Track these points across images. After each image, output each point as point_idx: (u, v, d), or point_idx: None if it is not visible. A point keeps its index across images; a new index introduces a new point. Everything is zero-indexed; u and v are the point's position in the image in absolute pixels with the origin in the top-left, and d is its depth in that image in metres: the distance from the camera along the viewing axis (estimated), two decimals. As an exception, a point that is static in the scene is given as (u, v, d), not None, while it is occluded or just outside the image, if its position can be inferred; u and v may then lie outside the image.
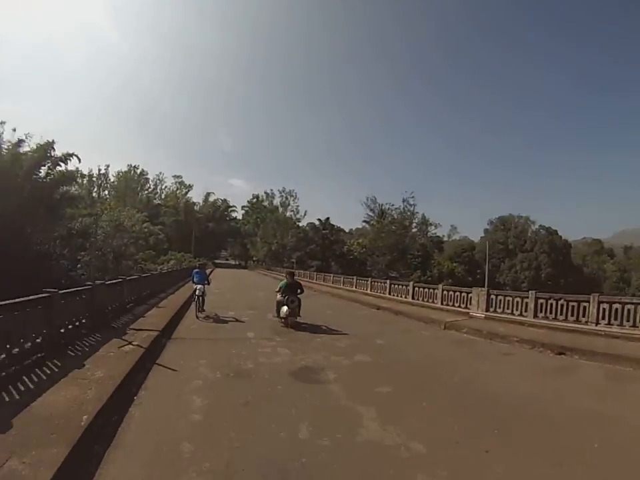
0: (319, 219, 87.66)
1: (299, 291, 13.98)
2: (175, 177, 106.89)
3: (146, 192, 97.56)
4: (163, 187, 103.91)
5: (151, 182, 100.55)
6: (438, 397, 6.81)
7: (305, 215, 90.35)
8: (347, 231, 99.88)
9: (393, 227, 78.25)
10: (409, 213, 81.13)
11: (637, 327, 11.53)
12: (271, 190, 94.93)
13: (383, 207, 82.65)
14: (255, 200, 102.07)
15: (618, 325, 11.98)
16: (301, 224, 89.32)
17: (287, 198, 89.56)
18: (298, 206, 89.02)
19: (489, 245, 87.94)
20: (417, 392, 7.05)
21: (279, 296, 13.90)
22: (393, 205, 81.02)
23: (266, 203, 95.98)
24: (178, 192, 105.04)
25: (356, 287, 29.99)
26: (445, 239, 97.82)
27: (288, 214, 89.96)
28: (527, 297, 14.69)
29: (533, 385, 7.89)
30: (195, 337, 11.19)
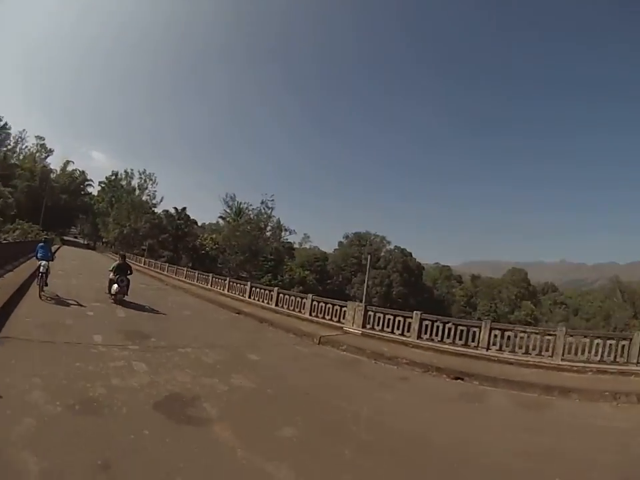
0: (175, 208, 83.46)
1: (128, 272, 16.22)
2: (37, 137, 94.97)
3: (5, 149, 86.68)
4: (24, 146, 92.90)
5: (12, 138, 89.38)
6: (359, 442, 5.72)
7: (161, 201, 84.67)
8: (199, 224, 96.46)
9: (249, 227, 77.06)
10: (265, 216, 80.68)
11: (530, 353, 12.62)
12: (131, 170, 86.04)
13: (242, 206, 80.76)
14: (113, 177, 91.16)
15: (510, 352, 12.89)
16: (156, 210, 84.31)
17: (145, 180, 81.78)
18: (155, 191, 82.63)
19: (342, 257, 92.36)
20: (329, 435, 5.82)
21: (111, 275, 15.85)
22: (251, 205, 79.88)
23: (124, 182, 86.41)
24: (37, 155, 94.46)
25: (212, 286, 28.29)
26: (296, 245, 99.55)
27: (144, 197, 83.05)
28: (410, 317, 14.86)
29: (454, 419, 7.55)
30: (29, 338, 8.72)
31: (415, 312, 15.03)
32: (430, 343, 13.89)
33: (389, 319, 15.32)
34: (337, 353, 12.71)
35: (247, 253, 75.54)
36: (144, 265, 48.18)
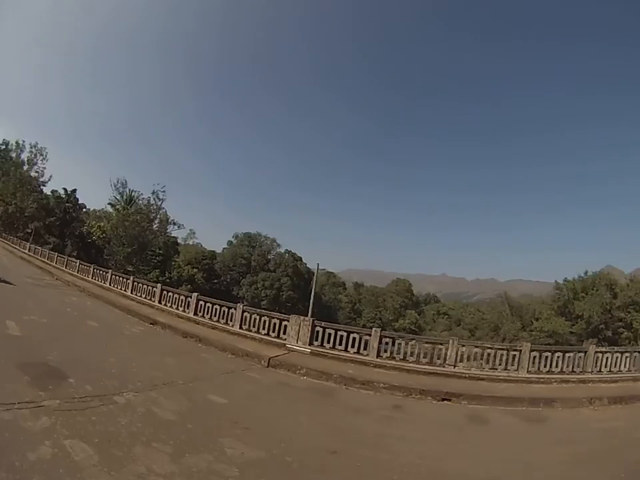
0: (65, 189, 73.10)
1: None
2: None
3: None
4: None
5: None
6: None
7: (49, 179, 73.48)
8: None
9: (138, 217, 70.03)
10: (155, 207, 73.77)
11: (496, 369, 12.76)
12: (23, 141, 72.03)
13: (133, 194, 73.24)
14: (3, 147, 74.95)
15: (477, 367, 12.80)
16: (44, 189, 73.55)
17: (36, 155, 68.88)
18: (45, 168, 70.71)
19: (230, 257, 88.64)
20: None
21: None
22: (141, 194, 72.84)
23: (14, 155, 72.06)
24: None
25: (112, 284, 24.33)
26: (180, 241, 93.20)
27: (33, 174, 70.61)
28: (368, 334, 13.63)
29: (491, 447, 7.30)
30: None
31: (373, 329, 13.88)
32: (393, 362, 12.79)
33: (341, 336, 13.73)
34: (299, 379, 10.87)
35: (135, 245, 68.82)
36: (29, 251, 41.31)
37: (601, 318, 60.59)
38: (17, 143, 73.00)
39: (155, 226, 75.22)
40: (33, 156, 69.91)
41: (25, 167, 69.65)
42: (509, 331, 72.05)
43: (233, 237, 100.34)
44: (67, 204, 71.85)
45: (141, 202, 73.92)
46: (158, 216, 73.64)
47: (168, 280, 67.33)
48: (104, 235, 69.12)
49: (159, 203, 72.97)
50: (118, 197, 73.59)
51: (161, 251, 73.13)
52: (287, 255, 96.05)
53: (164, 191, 72.23)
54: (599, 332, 60.04)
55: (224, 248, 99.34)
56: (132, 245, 67.19)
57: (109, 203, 75.02)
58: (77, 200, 75.54)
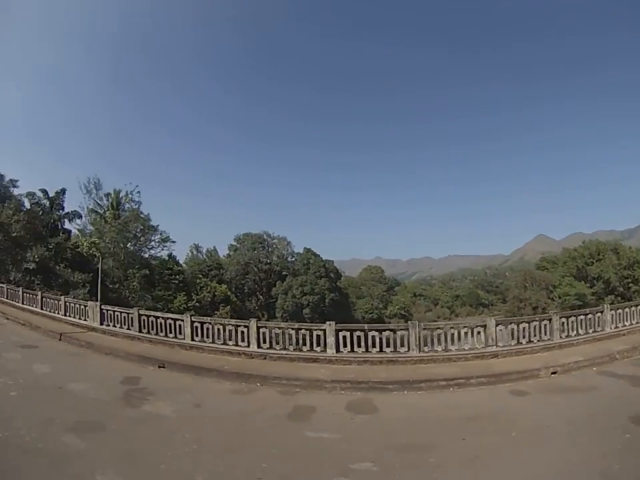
0: (44, 190, 51.71)
1: None
2: None
3: None
4: None
5: None
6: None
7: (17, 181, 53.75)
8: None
9: (141, 226, 56.14)
10: (137, 213, 60.20)
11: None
12: None
13: (121, 196, 59.01)
14: None
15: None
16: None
17: None
18: None
19: (243, 264, 76.38)
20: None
21: None
22: (129, 195, 61.24)
23: None
24: None
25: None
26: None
27: None
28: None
29: None
30: None
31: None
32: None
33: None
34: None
35: (138, 265, 54.03)
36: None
37: (614, 277, 72.80)
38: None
39: (141, 238, 61.06)
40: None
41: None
42: (538, 300, 76.63)
43: (234, 240, 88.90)
44: (55, 212, 50.96)
45: (128, 206, 60.07)
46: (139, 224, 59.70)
47: (198, 304, 57.99)
48: (98, 254, 49.56)
49: (137, 208, 60.38)
50: (99, 201, 60.60)
51: (180, 268, 59.86)
52: (309, 254, 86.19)
53: (139, 192, 60.34)
54: (614, 290, 72.05)
55: (226, 255, 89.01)
56: (134, 265, 53.20)
57: (94, 210, 59.43)
58: (63, 208, 53.53)
